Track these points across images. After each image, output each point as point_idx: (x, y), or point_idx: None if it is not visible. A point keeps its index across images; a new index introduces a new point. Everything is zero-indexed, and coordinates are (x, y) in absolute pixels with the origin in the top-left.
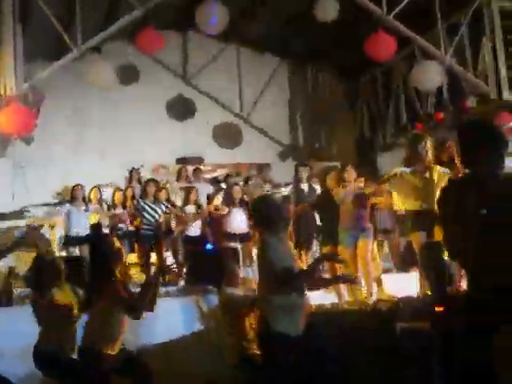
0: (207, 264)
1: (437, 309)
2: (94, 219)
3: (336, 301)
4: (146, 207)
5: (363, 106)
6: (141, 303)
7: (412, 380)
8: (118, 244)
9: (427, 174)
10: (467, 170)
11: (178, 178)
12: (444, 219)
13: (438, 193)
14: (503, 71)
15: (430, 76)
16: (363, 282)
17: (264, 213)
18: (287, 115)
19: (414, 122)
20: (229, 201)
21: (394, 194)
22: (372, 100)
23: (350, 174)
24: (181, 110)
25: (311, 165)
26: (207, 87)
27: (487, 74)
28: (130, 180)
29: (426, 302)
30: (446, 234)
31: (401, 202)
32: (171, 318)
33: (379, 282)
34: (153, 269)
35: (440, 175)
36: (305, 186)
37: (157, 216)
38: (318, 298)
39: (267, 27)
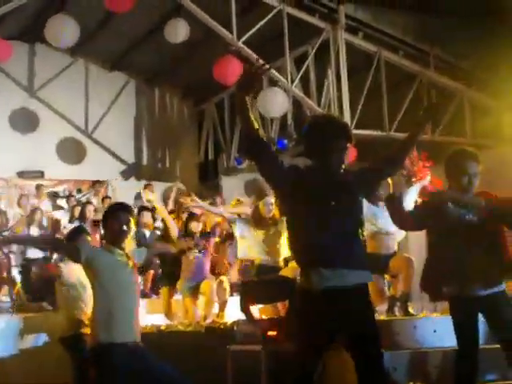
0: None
1: (269, 333)
2: None
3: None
4: None
5: (209, 129)
6: None
7: None
8: None
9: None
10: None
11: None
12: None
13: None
14: (346, 103)
15: (275, 103)
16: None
17: None
18: (132, 134)
19: None
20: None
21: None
22: (217, 123)
23: None
24: (24, 122)
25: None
26: (52, 101)
27: (330, 104)
28: None
29: (259, 325)
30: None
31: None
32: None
33: (222, 307)
34: None
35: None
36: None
37: None
38: (155, 319)
39: (115, 45)
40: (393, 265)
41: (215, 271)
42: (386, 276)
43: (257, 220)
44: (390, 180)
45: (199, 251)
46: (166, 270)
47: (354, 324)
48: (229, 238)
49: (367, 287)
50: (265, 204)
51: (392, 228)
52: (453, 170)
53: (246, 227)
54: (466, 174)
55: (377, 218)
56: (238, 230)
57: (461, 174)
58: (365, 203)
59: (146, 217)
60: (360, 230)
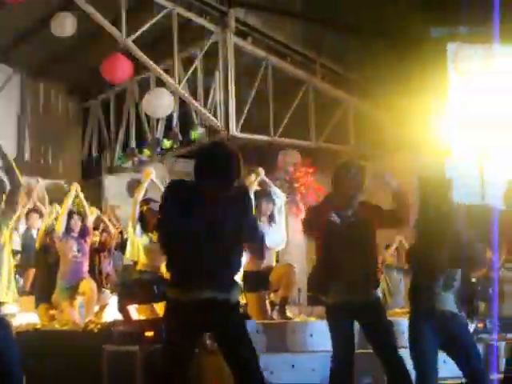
0: None
1: (146, 333)
2: None
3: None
4: None
5: (93, 127)
6: None
7: None
8: None
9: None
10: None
11: None
12: None
13: None
14: (232, 106)
15: (161, 104)
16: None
17: None
18: (15, 128)
19: (142, 146)
20: None
21: None
22: (103, 121)
23: None
24: None
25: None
26: None
27: (217, 108)
28: None
29: (136, 326)
30: None
31: None
32: None
33: (103, 307)
34: None
35: None
36: None
37: None
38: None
39: (0, 37)
40: (273, 278)
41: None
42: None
43: (143, 223)
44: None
45: (78, 250)
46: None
47: (219, 326)
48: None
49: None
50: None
51: (273, 245)
52: (339, 179)
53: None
54: (351, 186)
55: None
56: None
57: (346, 185)
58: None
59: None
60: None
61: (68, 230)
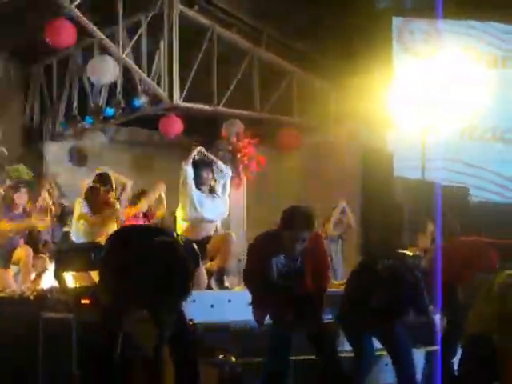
0: None
1: (82, 301)
2: None
3: None
4: None
5: (35, 92)
6: None
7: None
8: None
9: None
10: None
11: None
12: None
13: None
14: (176, 75)
15: (105, 71)
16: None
17: None
18: None
19: (84, 114)
20: None
21: None
22: (45, 87)
23: None
24: None
25: None
26: None
27: (161, 76)
28: None
29: (72, 293)
30: None
31: None
32: None
33: (40, 274)
34: None
35: None
36: None
37: None
38: None
39: None
40: (210, 246)
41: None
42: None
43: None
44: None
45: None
46: None
47: None
48: None
49: None
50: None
51: (214, 217)
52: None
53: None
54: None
55: (201, 206)
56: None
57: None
58: (191, 188)
59: None
60: None
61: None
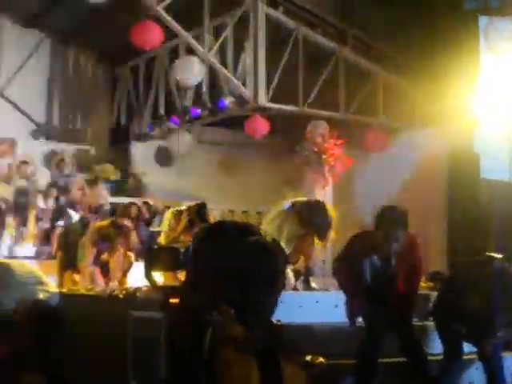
0: None
1: (171, 300)
2: None
3: None
4: None
5: (123, 93)
6: None
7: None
8: None
9: None
10: None
11: None
12: None
13: None
14: (262, 76)
15: (191, 72)
16: None
17: None
18: (45, 94)
19: (171, 114)
20: None
21: None
22: (132, 88)
23: None
24: None
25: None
26: None
27: (246, 77)
28: None
29: (162, 292)
30: None
31: None
32: None
33: (126, 273)
34: None
35: None
36: None
37: None
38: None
39: (31, 2)
40: (294, 247)
41: None
42: None
43: None
44: None
45: None
46: None
47: None
48: None
49: None
50: None
51: None
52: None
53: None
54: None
55: None
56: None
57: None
58: None
59: None
60: None
61: None
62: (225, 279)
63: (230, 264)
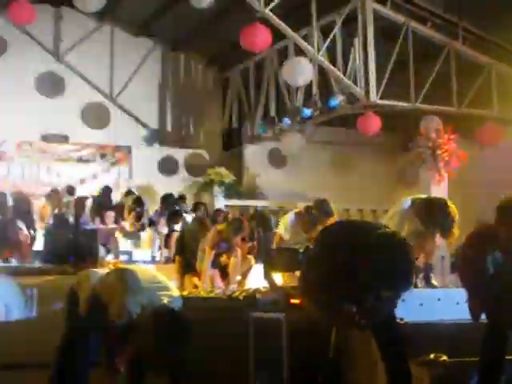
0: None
1: (292, 301)
2: None
3: None
4: None
5: (233, 96)
6: None
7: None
8: None
9: None
10: None
11: None
12: None
13: None
14: (372, 73)
15: (301, 72)
16: None
17: None
18: (157, 100)
19: (282, 115)
20: None
21: None
22: (242, 91)
23: None
24: (49, 86)
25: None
26: (78, 65)
27: (356, 75)
28: None
29: (282, 293)
30: None
31: None
32: None
33: (245, 274)
34: None
35: None
36: None
37: None
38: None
39: (141, 10)
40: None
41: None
42: None
43: None
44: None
45: None
46: None
47: None
48: None
49: None
50: None
51: None
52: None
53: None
54: None
55: None
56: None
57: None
58: None
59: None
60: None
61: None
62: (353, 277)
63: (359, 261)
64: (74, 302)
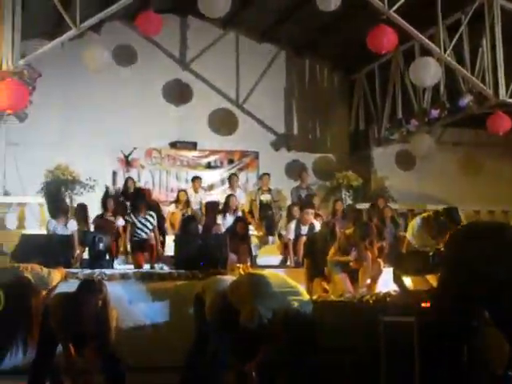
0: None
1: (423, 305)
2: None
3: None
4: None
5: (359, 99)
6: None
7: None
8: None
9: None
10: None
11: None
12: None
13: None
14: (501, 71)
15: (428, 72)
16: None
17: None
18: (283, 104)
19: (409, 117)
20: None
21: None
22: (368, 93)
23: None
24: (177, 94)
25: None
26: (204, 73)
27: (485, 74)
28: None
29: (412, 297)
30: None
31: None
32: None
33: (375, 278)
34: None
35: None
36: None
37: None
38: None
39: (265, 16)
40: None
41: None
42: None
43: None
44: None
45: None
46: None
47: None
48: None
49: None
50: None
51: None
52: None
53: None
54: None
55: None
56: None
57: None
58: None
59: None
60: None
61: None
62: (488, 281)
63: (494, 265)
64: (200, 307)
